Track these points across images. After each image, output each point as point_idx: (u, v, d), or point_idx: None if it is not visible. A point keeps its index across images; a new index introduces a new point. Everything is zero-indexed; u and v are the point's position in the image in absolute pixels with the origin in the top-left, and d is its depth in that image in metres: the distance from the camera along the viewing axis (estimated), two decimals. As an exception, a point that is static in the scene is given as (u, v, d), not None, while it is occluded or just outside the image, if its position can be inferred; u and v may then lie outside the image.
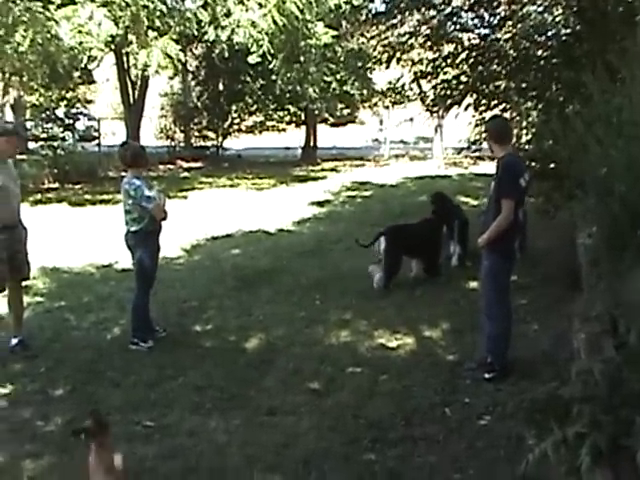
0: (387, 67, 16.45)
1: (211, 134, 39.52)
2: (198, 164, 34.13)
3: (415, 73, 15.64)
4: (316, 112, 37.33)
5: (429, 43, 14.72)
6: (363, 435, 6.39)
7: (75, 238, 15.67)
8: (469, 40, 14.38)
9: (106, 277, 12.53)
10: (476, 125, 14.04)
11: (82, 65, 25.32)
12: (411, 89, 23.78)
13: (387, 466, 5.84)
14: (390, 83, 41.89)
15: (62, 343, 9.10)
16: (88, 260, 13.58)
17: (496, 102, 13.50)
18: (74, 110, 35.71)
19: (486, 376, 7.52)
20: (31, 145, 30.66)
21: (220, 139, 39.36)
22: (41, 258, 11.62)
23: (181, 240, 14.93)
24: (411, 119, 44.19)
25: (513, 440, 6.17)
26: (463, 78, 13.92)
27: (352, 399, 7.19)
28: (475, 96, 13.69)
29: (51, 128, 27.48)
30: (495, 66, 13.35)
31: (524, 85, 12.89)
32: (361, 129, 53.83)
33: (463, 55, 13.92)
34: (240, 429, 6.62)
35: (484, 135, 13.71)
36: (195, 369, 8.08)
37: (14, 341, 8.81)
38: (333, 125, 53.56)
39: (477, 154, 33.78)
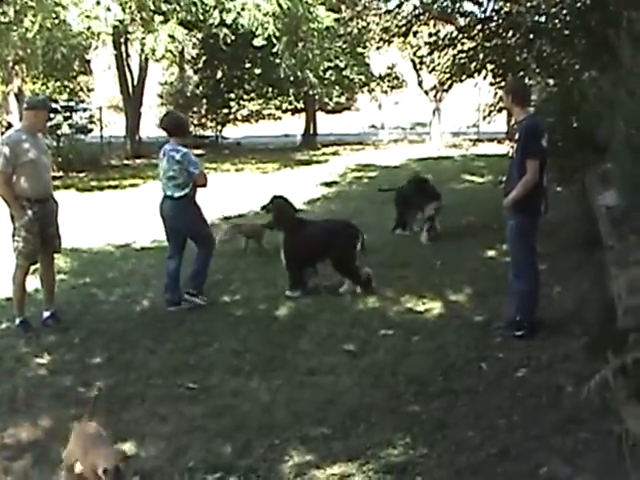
0: (390, 44, 16.51)
1: (210, 123, 39.52)
2: (199, 151, 34.14)
3: (430, 44, 15.68)
4: (315, 98, 37.34)
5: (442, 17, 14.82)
6: (404, 390, 6.51)
7: (88, 221, 15.77)
8: (483, 13, 14.50)
9: (126, 255, 12.65)
10: (495, 93, 14.13)
11: (85, 52, 25.35)
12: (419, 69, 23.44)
13: (433, 416, 5.96)
14: (388, 68, 42.32)
15: (92, 316, 9.21)
16: (105, 240, 13.69)
17: (512, 73, 13.60)
18: (72, 103, 35.57)
19: (516, 333, 7.64)
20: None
21: (219, 127, 39.36)
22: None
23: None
24: (396, 103, 44.60)
25: (553, 389, 6.33)
26: (479, 49, 14.04)
27: (388, 358, 7.31)
28: (492, 67, 13.81)
29: (54, 117, 27.35)
30: (510, 38, 13.47)
31: (539, 55, 12.99)
32: (357, 116, 53.80)
33: (479, 27, 14.03)
34: (282, 388, 6.73)
35: (499, 105, 13.90)
36: (229, 335, 8.21)
37: (46, 314, 8.89)
38: (329, 112, 53.52)
39: (476, 137, 34.27)
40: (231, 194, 18.72)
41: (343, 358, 7.43)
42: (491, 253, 11.27)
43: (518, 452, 5.31)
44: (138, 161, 31.30)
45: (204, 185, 9.45)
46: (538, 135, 7.64)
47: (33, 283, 9.33)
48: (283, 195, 10.58)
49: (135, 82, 33.92)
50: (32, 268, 8.86)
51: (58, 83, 37.19)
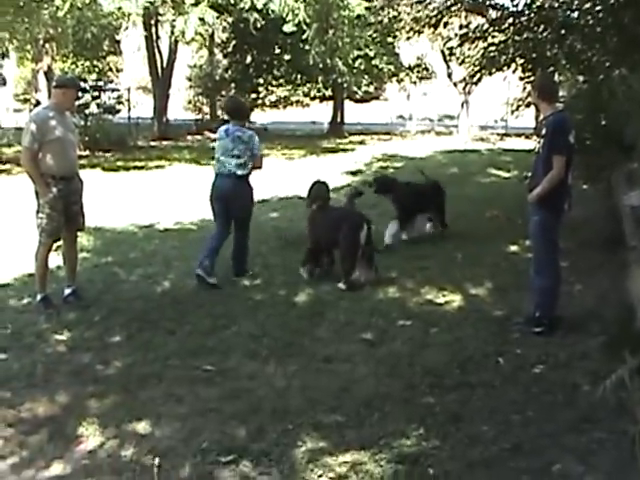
0: (421, 34, 16.51)
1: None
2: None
3: (462, 36, 15.63)
4: (344, 86, 37.29)
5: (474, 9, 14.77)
6: (420, 381, 6.50)
7: (113, 201, 15.88)
8: (515, 6, 14.42)
9: (149, 236, 12.71)
10: (523, 88, 14.09)
11: (115, 33, 25.43)
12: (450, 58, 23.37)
13: (447, 408, 5.95)
14: (418, 59, 42.18)
15: (113, 295, 9.25)
16: (129, 221, 13.77)
17: (542, 68, 13.56)
18: (101, 82, 35.74)
19: (535, 330, 7.61)
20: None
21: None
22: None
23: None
24: (425, 94, 44.47)
25: (569, 387, 6.31)
26: (509, 43, 13.99)
27: (405, 349, 7.31)
28: (522, 61, 13.75)
29: (82, 97, 27.48)
30: (541, 32, 13.41)
31: (569, 50, 12.92)
32: (385, 106, 53.72)
33: (510, 20, 13.98)
34: (298, 374, 6.73)
35: (527, 100, 13.84)
36: (248, 319, 8.23)
37: (67, 291, 8.94)
38: (358, 101, 53.49)
39: (503, 131, 34.14)
40: (255, 179, 18.70)
41: (360, 347, 7.42)
42: (513, 248, 11.23)
43: (531, 448, 5.30)
44: (165, 143, 31.44)
45: (260, 167, 10.13)
46: (565, 131, 7.59)
47: (56, 260, 9.40)
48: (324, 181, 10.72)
49: (164, 64, 34.01)
50: (55, 245, 8.92)
51: (87, 63, 37.46)
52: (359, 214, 9.95)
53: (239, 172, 9.78)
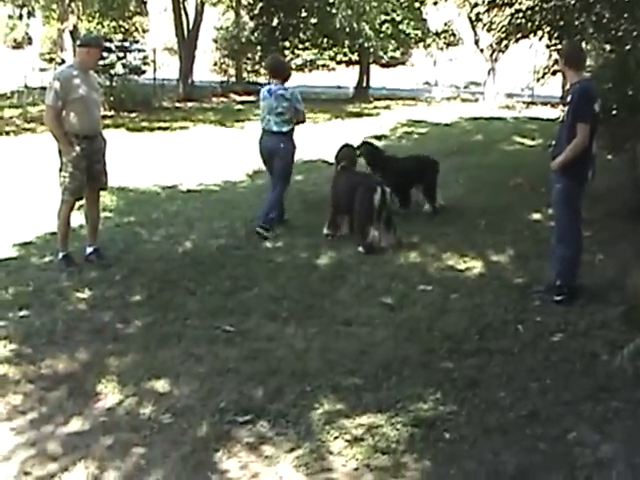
0: None
1: (263, 70, 39.44)
2: (251, 98, 34.11)
3: (489, 2, 15.50)
4: (370, 51, 37.07)
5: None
6: (439, 346, 6.52)
7: (137, 161, 15.89)
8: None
9: (172, 197, 12.72)
10: (550, 56, 13.96)
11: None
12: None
13: (465, 374, 5.97)
14: (445, 24, 41.84)
15: (135, 254, 9.27)
16: (153, 181, 13.78)
17: (569, 36, 13.43)
18: (126, 43, 35.67)
19: (556, 298, 7.58)
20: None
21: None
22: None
23: (243, 166, 15.08)
24: (451, 60, 44.16)
25: (587, 356, 6.31)
26: (537, 10, 13.85)
27: (425, 314, 7.31)
28: (549, 28, 13.63)
29: (107, 57, 27.46)
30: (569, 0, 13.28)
31: (597, 19, 12.78)
32: (411, 71, 53.43)
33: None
34: (318, 336, 6.76)
35: (553, 68, 13.73)
36: (269, 281, 8.24)
37: (89, 250, 8.98)
38: (383, 66, 53.23)
39: (529, 100, 33.87)
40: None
41: (380, 311, 7.43)
42: (536, 216, 11.17)
43: (548, 416, 5.31)
44: (189, 104, 31.39)
45: (304, 121, 10.68)
46: (591, 99, 7.52)
47: (78, 219, 9.42)
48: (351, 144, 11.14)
49: (190, 26, 33.90)
50: (77, 204, 8.95)
51: (113, 23, 37.38)
52: (373, 178, 10.02)
53: (284, 129, 10.30)
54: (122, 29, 40.04)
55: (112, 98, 26.95)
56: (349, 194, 9.75)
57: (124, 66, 30.62)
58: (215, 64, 40.93)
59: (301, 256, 9.27)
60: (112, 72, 28.81)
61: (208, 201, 12.32)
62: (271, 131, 10.37)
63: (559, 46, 14.00)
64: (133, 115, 26.51)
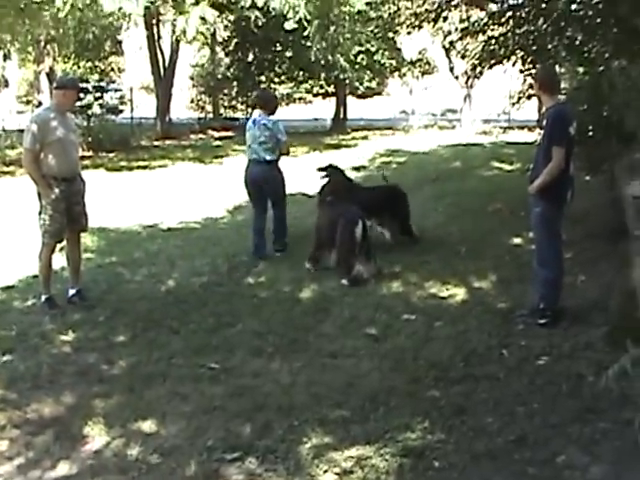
0: (421, 29, 16.53)
1: (240, 105, 39.61)
2: (228, 133, 34.19)
3: (462, 30, 15.65)
4: (346, 82, 37.27)
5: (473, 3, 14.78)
6: (424, 375, 6.52)
7: (117, 201, 15.88)
8: (514, -1, 14.45)
9: (153, 236, 12.71)
10: (524, 80, 14.09)
11: (116, 33, 25.42)
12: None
13: (452, 401, 5.97)
14: (420, 53, 42.16)
15: (118, 295, 9.25)
16: (133, 221, 13.76)
17: (542, 60, 13.55)
18: (103, 83, 35.74)
19: (540, 321, 7.61)
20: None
21: (249, 110, 39.35)
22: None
23: (224, 202, 15.14)
24: (426, 88, 44.37)
25: (573, 378, 6.33)
26: (509, 36, 13.99)
27: (410, 343, 7.32)
28: (522, 53, 13.75)
29: (84, 97, 27.48)
30: (541, 25, 13.39)
31: (569, 42, 12.90)
32: (388, 101, 53.69)
33: (509, 13, 13.98)
34: (303, 370, 6.75)
35: (528, 92, 13.83)
36: (253, 317, 8.24)
37: (72, 292, 8.95)
38: (360, 97, 53.47)
39: (506, 124, 34.09)
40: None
41: (365, 342, 7.44)
42: (517, 240, 11.23)
43: (536, 439, 5.32)
44: (168, 142, 31.42)
45: (287, 153, 11.17)
46: (565, 123, 7.61)
47: (59, 261, 9.38)
48: (338, 167, 11.43)
49: (166, 64, 33.99)
50: (59, 246, 8.92)
51: (89, 63, 37.49)
52: (354, 210, 9.93)
53: (268, 157, 10.75)
54: (98, 69, 40.14)
55: (90, 139, 26.99)
56: (331, 227, 9.79)
57: (101, 106, 30.63)
58: (192, 101, 41.06)
59: (284, 290, 9.28)
60: (89, 113, 28.84)
61: (189, 239, 12.32)
62: (256, 160, 10.82)
63: (533, 70, 14.16)
64: (112, 155, 26.55)
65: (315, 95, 46.95)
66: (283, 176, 11.13)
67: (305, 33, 23.12)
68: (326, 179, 10.94)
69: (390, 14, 24.28)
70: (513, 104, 15.66)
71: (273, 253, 11.04)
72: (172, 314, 8.43)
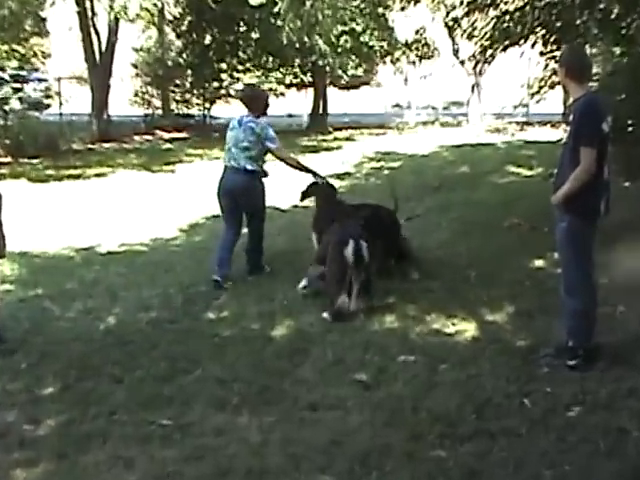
0: (418, 3, 16.51)
1: (196, 99, 39.59)
2: (181, 135, 34.25)
3: (469, 4, 15.66)
4: (326, 70, 37.31)
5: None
6: (427, 430, 6.50)
7: (43, 219, 15.86)
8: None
9: (89, 261, 12.70)
10: (546, 65, 14.09)
11: (39, 8, 25.32)
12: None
13: (462, 463, 5.95)
14: (417, 33, 42.27)
15: (45, 336, 9.20)
16: (64, 243, 13.75)
17: (569, 38, 13.53)
18: (23, 72, 35.61)
19: (569, 363, 7.60)
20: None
21: (207, 105, 39.37)
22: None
23: (176, 219, 15.14)
24: (425, 76, 44.49)
25: (613, 433, 6.31)
26: (528, 10, 13.98)
27: (408, 391, 7.31)
28: (543, 31, 13.74)
29: (0, 89, 27.45)
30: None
31: (603, 17, 12.87)
32: (378, 93, 53.88)
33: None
34: (277, 426, 6.73)
35: (550, 80, 13.85)
36: (214, 361, 8.22)
37: (-15, 333, 8.91)
38: (344, 88, 53.63)
39: (524, 120, 34.25)
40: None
41: (353, 390, 7.42)
42: (539, 263, 11.26)
43: (568, 510, 5.33)
44: (106, 145, 31.39)
45: (283, 159, 11.43)
46: (597, 117, 7.56)
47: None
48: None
49: (103, 47, 33.93)
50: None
51: (5, 47, 37.20)
52: (350, 226, 9.94)
53: (248, 166, 10.89)
54: (17, 54, 39.98)
55: (8, 141, 26.90)
56: (325, 246, 9.96)
57: (21, 100, 30.53)
58: (136, 94, 40.96)
59: (252, 327, 9.26)
60: (6, 108, 28.71)
61: (134, 265, 12.30)
62: (234, 168, 10.98)
63: (557, 52, 14.14)
64: (36, 161, 26.44)
65: (288, 86, 46.94)
66: (264, 188, 11.27)
67: (275, 9, 23.12)
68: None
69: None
70: (532, 95, 15.65)
71: (241, 276, 11.13)
72: (114, 359, 8.39)
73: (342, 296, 9.45)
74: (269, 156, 11.15)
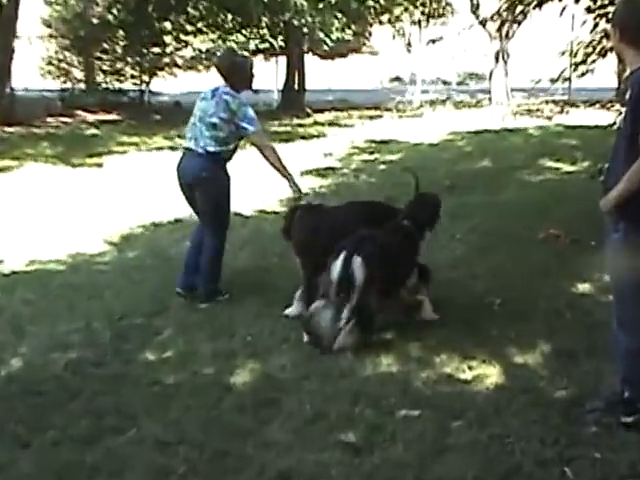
0: None
1: (132, 70, 39.55)
2: (111, 117, 34.24)
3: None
4: (304, 31, 37.37)
5: None
6: (436, 508, 6.55)
7: None
8: None
9: (-16, 284, 12.67)
10: (594, 26, 14.11)
11: None
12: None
13: None
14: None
15: None
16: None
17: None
18: None
19: (624, 420, 7.58)
20: None
21: (145, 77, 39.33)
22: None
23: (104, 228, 15.12)
24: (434, 41, 44.62)
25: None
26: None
27: (411, 455, 7.26)
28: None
29: None
30: None
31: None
32: (372, 63, 54.07)
33: None
34: (237, 504, 6.77)
35: (601, 45, 13.88)
36: (154, 417, 8.17)
37: None
38: (326, 57, 53.78)
39: (565, 98, 34.36)
40: (162, 187, 18.56)
41: (338, 454, 7.37)
42: (583, 287, 11.28)
43: None
44: (9, 129, 31.34)
45: (261, 145, 11.36)
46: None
47: None
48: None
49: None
50: None
51: None
52: (353, 236, 9.95)
53: (210, 148, 10.96)
54: None
55: None
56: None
57: None
58: (49, 62, 40.96)
59: (205, 372, 9.24)
60: None
61: (47, 289, 12.27)
62: (191, 151, 11.18)
63: (610, 9, 14.15)
64: None
65: (254, 53, 47.13)
66: (229, 181, 11.41)
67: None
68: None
69: None
70: (576, 65, 15.65)
71: (190, 304, 11.24)
72: (18, 415, 8.32)
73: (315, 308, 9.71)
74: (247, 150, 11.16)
